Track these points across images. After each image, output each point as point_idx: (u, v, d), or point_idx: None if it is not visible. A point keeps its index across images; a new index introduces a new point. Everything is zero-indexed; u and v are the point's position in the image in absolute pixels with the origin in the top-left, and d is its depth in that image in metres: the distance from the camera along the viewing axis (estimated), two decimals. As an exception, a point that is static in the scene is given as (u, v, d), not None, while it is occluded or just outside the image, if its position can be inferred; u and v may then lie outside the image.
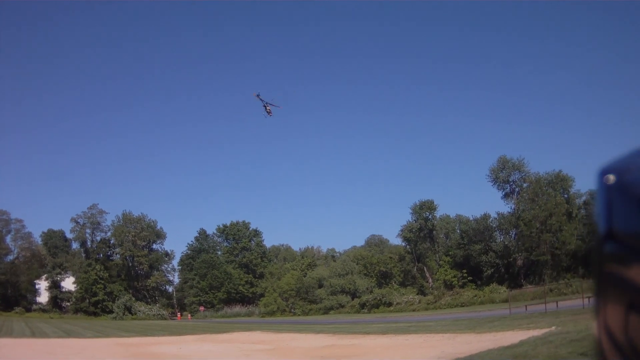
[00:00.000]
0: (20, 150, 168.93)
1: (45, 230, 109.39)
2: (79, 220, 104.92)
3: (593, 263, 1.44)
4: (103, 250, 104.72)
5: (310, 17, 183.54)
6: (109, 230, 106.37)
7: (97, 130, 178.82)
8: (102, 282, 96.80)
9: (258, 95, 69.90)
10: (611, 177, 1.39)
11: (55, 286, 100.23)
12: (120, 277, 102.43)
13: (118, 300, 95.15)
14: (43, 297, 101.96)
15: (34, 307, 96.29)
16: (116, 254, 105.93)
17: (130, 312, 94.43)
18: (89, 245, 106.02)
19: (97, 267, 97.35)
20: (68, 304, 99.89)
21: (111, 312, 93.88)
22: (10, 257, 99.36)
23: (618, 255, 1.32)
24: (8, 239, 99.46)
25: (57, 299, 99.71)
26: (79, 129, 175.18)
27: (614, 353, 1.30)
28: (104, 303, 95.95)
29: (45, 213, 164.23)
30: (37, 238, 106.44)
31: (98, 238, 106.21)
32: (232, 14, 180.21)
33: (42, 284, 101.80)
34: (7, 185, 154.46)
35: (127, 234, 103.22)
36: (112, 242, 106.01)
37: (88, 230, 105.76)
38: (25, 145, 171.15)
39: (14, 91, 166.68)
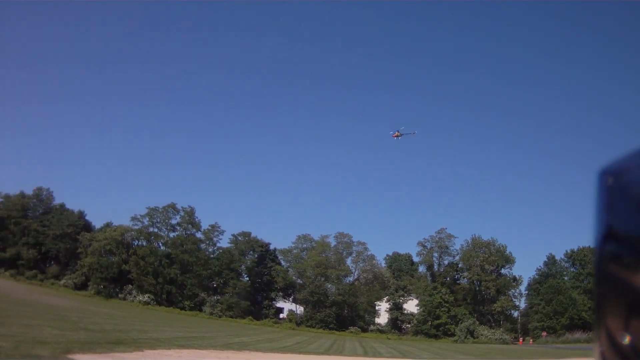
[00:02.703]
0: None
1: (391, 254, 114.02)
2: (426, 244, 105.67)
3: (593, 263, 1.44)
4: (450, 274, 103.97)
5: None
6: (457, 254, 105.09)
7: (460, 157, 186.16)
8: (447, 305, 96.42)
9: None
10: (611, 177, 1.37)
11: (396, 308, 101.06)
12: (465, 300, 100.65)
13: (461, 323, 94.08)
14: (382, 319, 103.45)
15: (371, 327, 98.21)
16: (463, 278, 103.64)
17: (472, 336, 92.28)
18: (436, 269, 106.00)
19: (442, 290, 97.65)
20: (408, 325, 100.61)
21: (452, 335, 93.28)
22: (351, 279, 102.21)
23: (618, 256, 1.28)
24: (349, 260, 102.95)
25: (397, 321, 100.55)
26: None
27: (615, 354, 1.27)
28: (446, 326, 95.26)
29: (391, 237, 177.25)
30: (382, 261, 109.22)
31: (445, 262, 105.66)
32: None
33: (383, 306, 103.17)
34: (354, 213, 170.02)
35: (475, 259, 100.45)
36: (459, 266, 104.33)
37: (435, 254, 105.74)
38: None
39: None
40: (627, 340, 1.19)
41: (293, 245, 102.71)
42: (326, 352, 39.34)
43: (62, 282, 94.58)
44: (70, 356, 15.69)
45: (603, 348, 1.28)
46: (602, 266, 1.34)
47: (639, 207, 1.23)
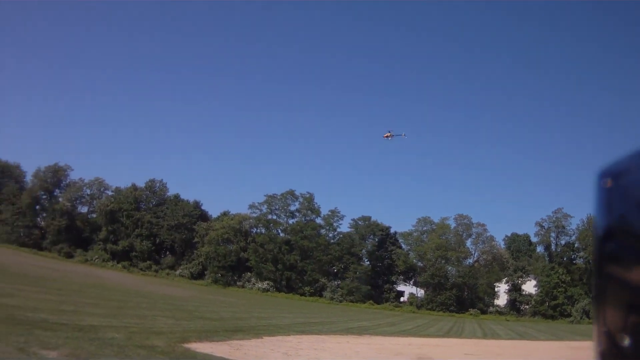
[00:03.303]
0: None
1: (509, 234, 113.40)
2: (543, 224, 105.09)
3: (593, 264, 1.48)
4: (567, 254, 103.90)
5: None
6: (573, 234, 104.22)
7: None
8: (564, 285, 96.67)
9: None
10: (610, 179, 1.42)
11: (515, 289, 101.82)
12: (581, 280, 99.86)
13: (577, 304, 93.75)
14: (501, 300, 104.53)
15: (490, 309, 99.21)
16: (580, 257, 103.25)
17: (587, 317, 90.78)
18: (553, 249, 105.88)
19: (559, 270, 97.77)
20: (526, 307, 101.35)
21: (569, 315, 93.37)
22: (470, 261, 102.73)
23: (617, 256, 1.32)
24: (469, 242, 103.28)
25: (516, 302, 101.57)
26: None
27: (615, 354, 1.29)
28: (563, 307, 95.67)
29: (510, 217, 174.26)
30: (500, 242, 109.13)
31: (562, 242, 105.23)
32: None
33: (502, 287, 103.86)
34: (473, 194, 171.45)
35: (591, 238, 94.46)
36: (576, 245, 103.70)
37: (553, 234, 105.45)
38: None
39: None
40: (626, 340, 1.19)
41: (413, 228, 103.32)
42: (446, 334, 40.63)
43: (177, 272, 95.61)
44: (186, 345, 15.73)
45: (602, 348, 1.29)
46: (601, 266, 1.34)
47: (638, 207, 1.27)
